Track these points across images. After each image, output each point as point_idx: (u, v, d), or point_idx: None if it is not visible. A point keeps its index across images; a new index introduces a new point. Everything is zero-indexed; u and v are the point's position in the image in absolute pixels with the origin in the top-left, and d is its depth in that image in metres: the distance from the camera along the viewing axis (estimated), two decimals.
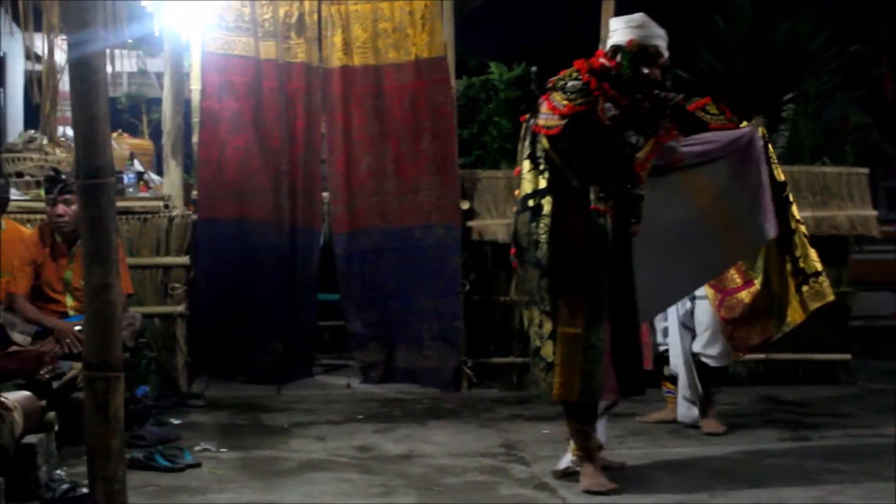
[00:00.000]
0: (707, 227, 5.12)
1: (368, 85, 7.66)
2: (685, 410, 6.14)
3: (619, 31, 4.85)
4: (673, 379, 6.24)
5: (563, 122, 4.67)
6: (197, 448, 5.58)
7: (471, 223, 7.74)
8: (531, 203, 4.86)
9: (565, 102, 4.69)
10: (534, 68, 8.59)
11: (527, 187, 4.90)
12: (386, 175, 7.65)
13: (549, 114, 4.73)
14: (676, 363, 6.17)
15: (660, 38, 4.83)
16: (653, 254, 4.90)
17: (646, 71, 4.77)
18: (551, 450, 5.60)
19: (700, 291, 5.95)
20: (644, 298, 4.87)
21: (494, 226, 7.75)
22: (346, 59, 7.65)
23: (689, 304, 6.12)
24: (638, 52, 4.75)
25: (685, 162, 5.02)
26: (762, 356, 7.58)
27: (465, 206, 7.70)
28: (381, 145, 7.66)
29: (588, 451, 4.87)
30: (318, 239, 7.72)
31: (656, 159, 4.84)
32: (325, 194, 7.80)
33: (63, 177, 6.08)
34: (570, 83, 4.73)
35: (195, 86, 7.66)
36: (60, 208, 6.06)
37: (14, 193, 7.20)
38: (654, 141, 4.81)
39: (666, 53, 4.85)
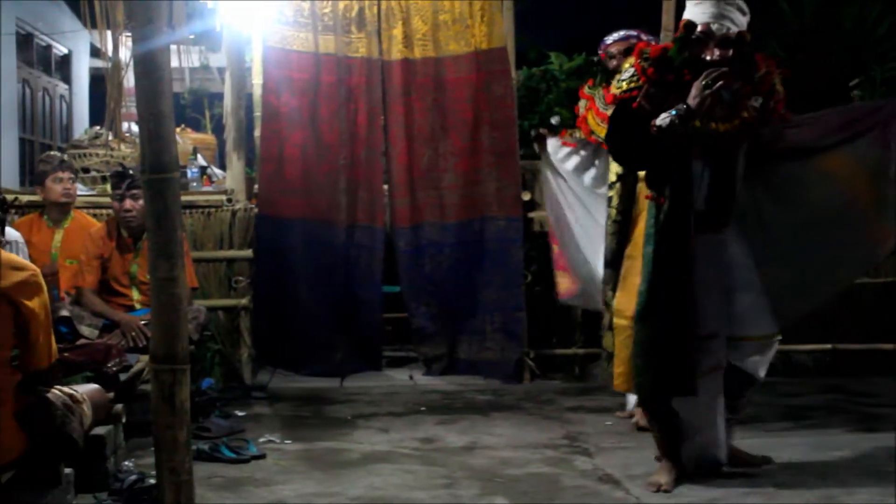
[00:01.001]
0: (854, 216, 4.81)
1: (429, 77, 7.64)
2: None
3: (687, 11, 4.62)
4: None
5: (611, 109, 4.61)
6: (261, 440, 5.62)
7: (532, 214, 7.71)
8: (609, 194, 4.82)
9: (614, 90, 4.63)
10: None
11: (611, 178, 4.86)
12: (446, 169, 7.62)
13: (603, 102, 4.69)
14: None
15: (723, 16, 4.49)
16: (792, 249, 4.68)
17: (709, 55, 4.47)
18: (615, 441, 5.58)
19: None
20: (782, 301, 4.68)
21: None
22: (406, 51, 7.63)
23: None
24: (689, 33, 4.50)
25: (807, 143, 4.78)
26: (829, 346, 7.48)
27: (527, 197, 7.67)
28: (441, 138, 7.63)
29: (659, 444, 4.82)
30: (381, 236, 7.65)
31: (750, 142, 4.62)
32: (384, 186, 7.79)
33: (130, 172, 6.16)
34: (626, 70, 4.66)
35: (256, 80, 7.71)
36: (128, 203, 6.14)
37: (80, 189, 7.32)
38: (739, 121, 4.56)
39: (735, 29, 4.50)
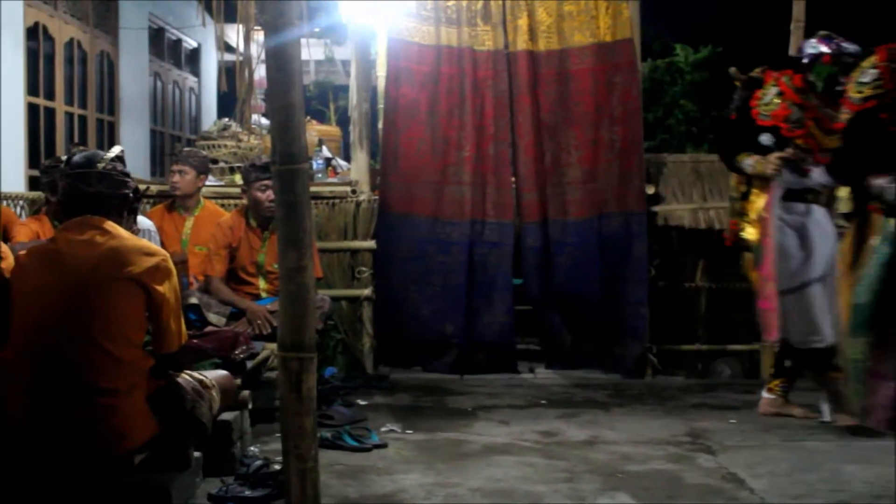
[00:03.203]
0: None
1: (553, 70, 7.56)
2: None
3: None
4: None
5: (850, 116, 4.33)
6: (383, 429, 5.68)
7: (656, 208, 7.62)
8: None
9: (852, 95, 4.34)
10: None
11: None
12: (570, 163, 7.54)
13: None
14: None
15: None
16: None
17: None
18: (739, 439, 5.49)
19: None
20: None
21: (680, 211, 7.63)
22: (530, 44, 7.58)
23: None
24: None
25: None
26: None
27: (651, 190, 7.58)
28: (564, 132, 7.55)
29: None
30: (511, 231, 7.58)
31: None
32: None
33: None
34: (869, 72, 4.35)
35: (381, 72, 7.75)
36: (271, 194, 6.21)
37: (210, 180, 7.48)
38: None
39: None
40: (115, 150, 4.07)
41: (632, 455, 5.21)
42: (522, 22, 7.57)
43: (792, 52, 7.15)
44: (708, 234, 7.60)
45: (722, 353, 7.64)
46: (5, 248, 4.10)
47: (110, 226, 3.86)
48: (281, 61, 3.32)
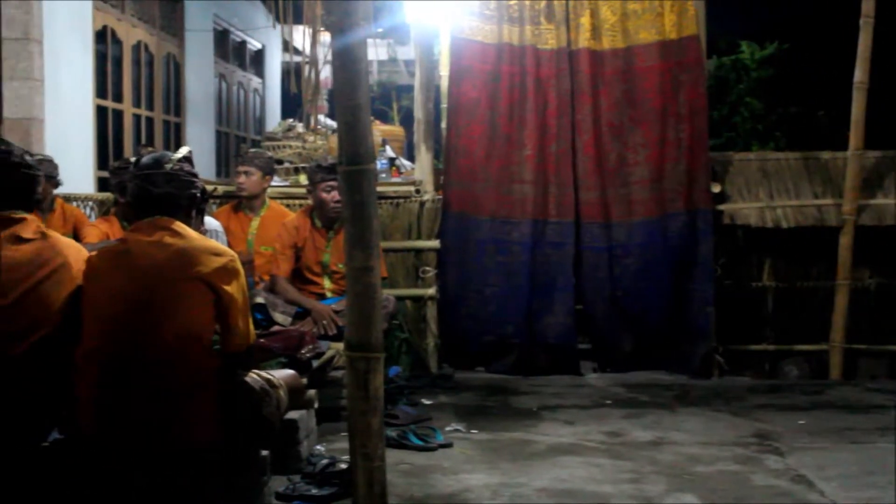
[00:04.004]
0: None
1: (618, 68, 7.53)
2: None
3: None
4: None
5: None
6: (448, 428, 5.68)
7: (722, 207, 7.54)
8: None
9: None
10: None
11: None
12: (637, 162, 7.49)
13: None
14: None
15: None
16: None
17: None
18: (808, 441, 5.42)
19: None
20: None
21: (747, 209, 7.55)
22: (593, 42, 7.54)
23: None
24: None
25: None
26: None
27: (717, 189, 7.50)
28: (630, 131, 7.51)
29: None
30: (572, 231, 7.54)
31: None
32: None
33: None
34: None
35: (444, 72, 7.78)
36: (336, 194, 6.23)
37: (275, 180, 7.53)
38: None
39: None
40: (183, 151, 4.10)
41: (698, 456, 5.16)
42: (585, 20, 7.54)
43: (861, 48, 7.06)
44: (775, 233, 7.51)
45: (789, 353, 7.55)
46: (80, 246, 4.16)
47: (179, 226, 3.90)
48: (347, 62, 3.33)
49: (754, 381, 7.30)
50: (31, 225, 3.94)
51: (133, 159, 4.50)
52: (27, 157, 4.02)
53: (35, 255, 3.87)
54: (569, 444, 5.43)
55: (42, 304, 3.83)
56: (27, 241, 3.89)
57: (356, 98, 3.32)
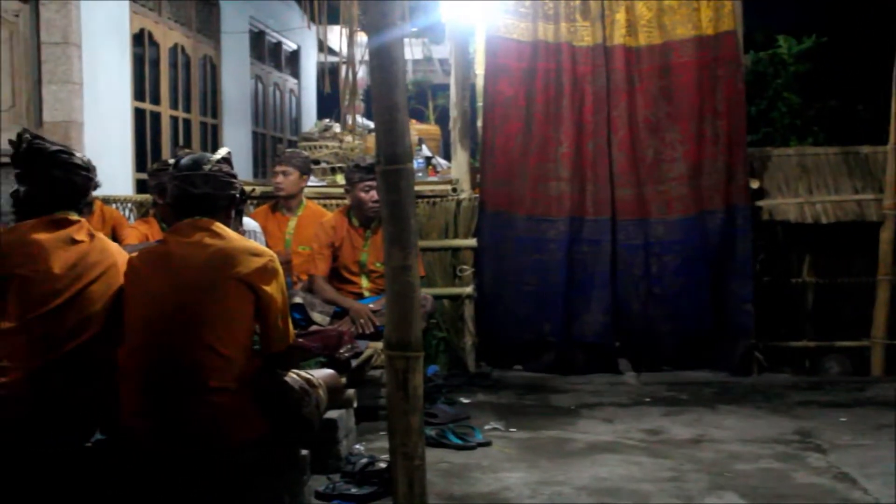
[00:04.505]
0: None
1: (654, 65, 7.47)
2: None
3: None
4: None
5: None
6: (486, 427, 5.68)
7: (760, 203, 7.49)
8: None
9: None
10: None
11: None
12: (674, 159, 7.44)
13: None
14: None
15: None
16: None
17: None
18: (850, 438, 5.39)
19: None
20: None
21: (785, 205, 7.49)
22: (629, 38, 7.50)
23: None
24: None
25: None
26: None
27: (755, 185, 7.45)
28: (668, 127, 7.45)
29: None
30: (609, 229, 7.48)
31: None
32: None
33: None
34: None
35: (479, 70, 7.78)
36: (374, 194, 6.24)
37: (311, 180, 7.56)
38: None
39: None
40: (222, 152, 4.13)
41: (739, 454, 5.14)
42: (620, 16, 7.50)
43: None
44: (814, 229, 7.46)
45: (830, 349, 7.49)
46: (119, 247, 4.20)
47: (218, 227, 3.92)
48: (384, 62, 3.34)
49: (795, 378, 7.24)
50: (83, 227, 4.01)
51: (171, 161, 4.54)
52: (86, 160, 4.10)
53: (85, 256, 3.94)
54: (608, 442, 5.42)
55: (91, 304, 3.89)
56: (78, 242, 3.95)
57: (393, 98, 3.32)
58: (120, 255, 4.05)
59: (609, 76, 7.53)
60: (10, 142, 4.05)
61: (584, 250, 7.51)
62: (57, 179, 3.99)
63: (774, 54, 9.18)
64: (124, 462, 3.83)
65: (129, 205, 7.77)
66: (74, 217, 4.02)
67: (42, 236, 3.91)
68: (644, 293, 7.50)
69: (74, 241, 3.95)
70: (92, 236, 4.03)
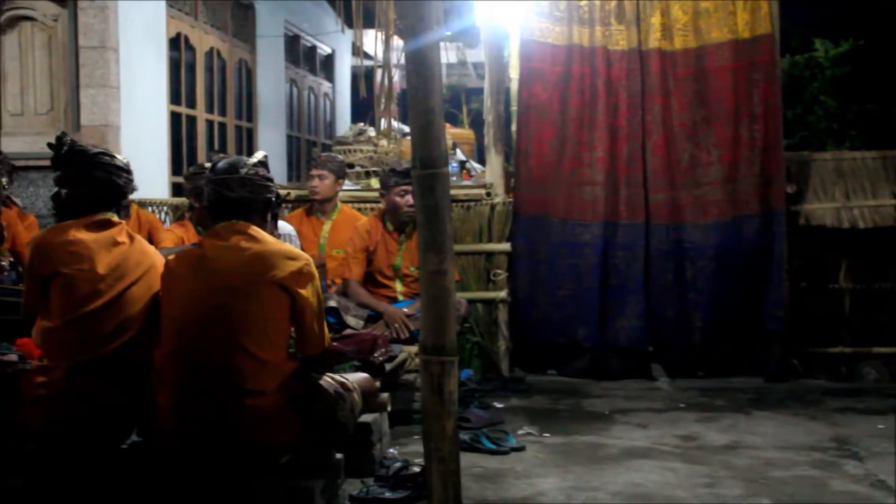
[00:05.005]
0: None
1: (690, 68, 7.43)
2: None
3: None
4: None
5: None
6: (520, 432, 5.68)
7: (796, 207, 7.43)
8: None
9: None
10: None
11: None
12: (710, 163, 7.39)
13: None
14: None
15: None
16: None
17: None
18: (888, 446, 5.33)
19: None
20: None
21: (822, 210, 7.43)
22: (664, 42, 7.46)
23: None
24: None
25: None
26: None
27: (791, 189, 7.40)
28: (703, 131, 7.40)
29: None
30: (643, 234, 7.45)
31: None
32: None
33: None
34: None
35: (513, 74, 7.76)
36: (410, 198, 6.24)
37: (347, 184, 7.58)
38: None
39: None
40: (258, 156, 4.15)
41: (775, 460, 5.10)
42: (655, 20, 7.47)
43: None
44: (851, 234, 7.39)
45: (867, 355, 7.41)
46: (154, 249, 4.24)
47: (255, 231, 3.94)
48: (421, 66, 3.34)
49: (831, 385, 7.18)
50: (123, 229, 4.06)
51: (207, 164, 4.56)
52: (126, 162, 4.15)
53: (126, 258, 3.99)
54: (642, 447, 5.39)
55: (131, 306, 3.93)
56: (120, 244, 3.99)
57: (430, 102, 3.32)
58: (158, 258, 4.09)
59: (644, 80, 7.50)
60: (50, 145, 4.09)
61: (619, 255, 7.48)
62: (99, 181, 4.03)
63: (811, 58, 9.14)
64: (159, 464, 3.85)
65: (165, 208, 7.83)
66: (115, 219, 4.07)
67: (86, 236, 3.96)
68: (678, 298, 7.46)
69: (116, 243, 4.00)
70: (132, 238, 4.07)
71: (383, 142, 8.74)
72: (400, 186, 6.28)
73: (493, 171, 7.61)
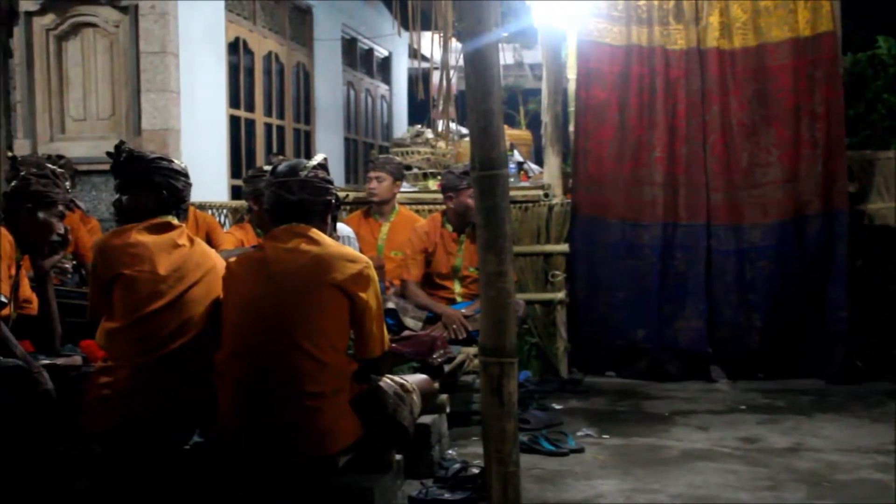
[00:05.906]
0: None
1: (749, 67, 7.37)
2: None
3: None
4: None
5: None
6: (579, 433, 5.66)
7: (859, 207, 7.34)
8: None
9: None
10: None
11: None
12: (770, 163, 7.32)
13: None
14: None
15: None
16: None
17: None
18: None
19: None
20: None
21: (885, 209, 7.33)
22: (722, 41, 7.41)
23: None
24: None
25: None
26: None
27: (854, 188, 7.30)
28: (763, 131, 7.34)
29: None
30: (703, 235, 7.39)
31: None
32: None
33: None
34: None
35: (571, 75, 7.74)
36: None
37: (404, 186, 7.60)
38: None
39: None
40: (318, 158, 4.17)
41: (838, 463, 5.04)
42: (714, 19, 7.42)
43: None
44: None
45: None
46: (215, 252, 4.28)
47: (315, 233, 3.97)
48: (480, 67, 3.34)
49: (895, 387, 7.08)
50: (183, 232, 4.11)
51: (267, 167, 4.60)
52: (183, 166, 4.21)
53: (187, 260, 4.03)
54: (703, 449, 5.35)
55: (192, 307, 3.98)
56: (180, 246, 4.04)
57: (489, 103, 3.33)
58: (218, 260, 4.13)
59: (703, 80, 7.46)
60: (109, 153, 4.16)
61: (678, 256, 7.43)
62: (158, 185, 4.09)
63: (874, 55, 9.00)
64: (221, 464, 3.89)
65: (225, 211, 7.90)
66: (175, 222, 4.12)
67: (146, 238, 4.02)
68: (738, 299, 7.39)
69: (177, 245, 4.05)
70: (192, 241, 4.12)
71: (441, 144, 8.75)
72: (458, 189, 6.29)
73: (550, 172, 7.60)
